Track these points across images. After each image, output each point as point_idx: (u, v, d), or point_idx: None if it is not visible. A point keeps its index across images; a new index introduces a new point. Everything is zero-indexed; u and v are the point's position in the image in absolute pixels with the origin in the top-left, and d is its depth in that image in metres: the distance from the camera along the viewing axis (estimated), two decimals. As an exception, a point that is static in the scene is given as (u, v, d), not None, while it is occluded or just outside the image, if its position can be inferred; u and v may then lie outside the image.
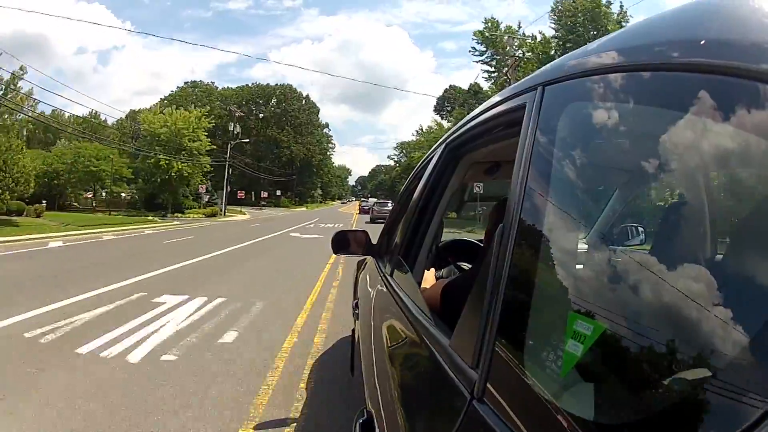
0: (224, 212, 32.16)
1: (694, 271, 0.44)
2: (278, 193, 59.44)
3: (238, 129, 38.29)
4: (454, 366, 0.68)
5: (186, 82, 64.84)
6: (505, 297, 0.59)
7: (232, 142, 36.19)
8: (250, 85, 69.69)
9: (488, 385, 0.56)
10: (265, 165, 60.95)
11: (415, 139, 55.15)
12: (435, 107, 51.11)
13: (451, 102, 46.72)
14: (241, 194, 42.36)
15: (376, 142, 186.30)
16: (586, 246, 0.63)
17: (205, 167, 30.83)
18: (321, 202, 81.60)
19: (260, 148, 62.93)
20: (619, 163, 0.71)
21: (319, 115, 75.13)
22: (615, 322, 0.45)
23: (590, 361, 0.45)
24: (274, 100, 67.55)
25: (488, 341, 0.58)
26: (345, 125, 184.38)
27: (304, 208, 58.24)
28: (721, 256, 0.47)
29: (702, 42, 0.45)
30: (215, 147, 31.57)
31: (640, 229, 1.03)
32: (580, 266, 0.56)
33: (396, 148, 76.89)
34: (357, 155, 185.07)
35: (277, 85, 70.22)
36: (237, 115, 39.82)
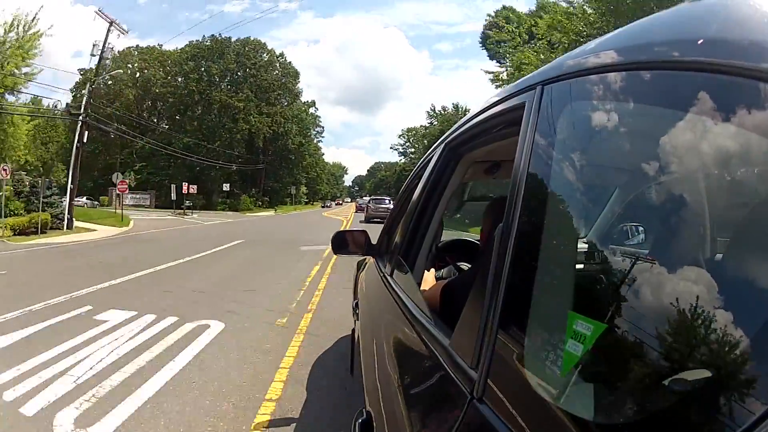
0: (68, 222, 14.50)
1: (694, 271, 0.43)
2: (226, 187, 38.17)
3: (112, 43, 18.50)
4: (454, 366, 0.68)
5: (129, 47, 43.90)
6: (504, 297, 0.58)
7: (93, 79, 18.69)
8: (200, 39, 46.51)
9: (488, 385, 0.56)
10: (213, 147, 40.73)
11: (427, 124, 44.90)
12: (480, 41, 32.11)
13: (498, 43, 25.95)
14: (122, 186, 19.49)
15: (373, 144, 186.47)
16: (586, 246, 0.63)
17: (16, 126, 13.84)
18: (307, 202, 63.46)
19: (208, 121, 42.88)
20: (618, 162, 0.71)
21: (317, 114, 57.81)
22: (615, 322, 0.45)
23: (590, 361, 0.45)
24: (230, 55, 45.25)
25: (488, 341, 0.58)
26: (343, 127, 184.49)
27: (271, 212, 40.20)
28: (721, 256, 0.47)
29: (700, 41, 0.45)
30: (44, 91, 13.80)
31: (640, 228, 1.03)
32: (580, 266, 0.56)
33: (401, 136, 65.41)
34: (355, 157, 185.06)
35: (238, 39, 47.29)
36: (109, 20, 17.52)
